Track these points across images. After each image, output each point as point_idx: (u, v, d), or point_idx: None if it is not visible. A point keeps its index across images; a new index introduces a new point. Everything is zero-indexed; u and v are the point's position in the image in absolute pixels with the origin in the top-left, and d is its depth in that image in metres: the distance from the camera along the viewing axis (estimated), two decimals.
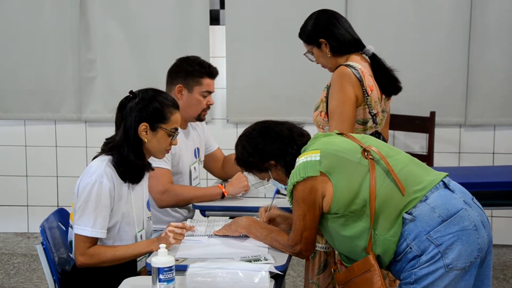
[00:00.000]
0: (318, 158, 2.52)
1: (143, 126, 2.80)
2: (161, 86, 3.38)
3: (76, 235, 2.76)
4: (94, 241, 2.77)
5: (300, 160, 2.57)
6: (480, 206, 2.56)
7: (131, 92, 2.86)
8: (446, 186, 2.52)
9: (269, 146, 2.71)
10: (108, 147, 2.83)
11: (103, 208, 2.74)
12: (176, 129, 2.88)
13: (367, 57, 3.32)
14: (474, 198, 2.57)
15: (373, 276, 2.45)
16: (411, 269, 2.44)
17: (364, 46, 3.31)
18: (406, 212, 2.45)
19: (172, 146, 2.91)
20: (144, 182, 2.95)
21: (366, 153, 2.52)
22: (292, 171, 2.58)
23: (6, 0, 5.49)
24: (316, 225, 2.59)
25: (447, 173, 2.58)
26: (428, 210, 2.44)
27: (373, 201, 2.45)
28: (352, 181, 2.49)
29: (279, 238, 2.71)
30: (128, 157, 2.79)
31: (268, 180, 2.81)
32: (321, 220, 2.59)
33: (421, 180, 2.51)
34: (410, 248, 2.44)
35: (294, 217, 2.61)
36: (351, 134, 2.72)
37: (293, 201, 2.59)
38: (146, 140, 2.81)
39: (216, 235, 2.89)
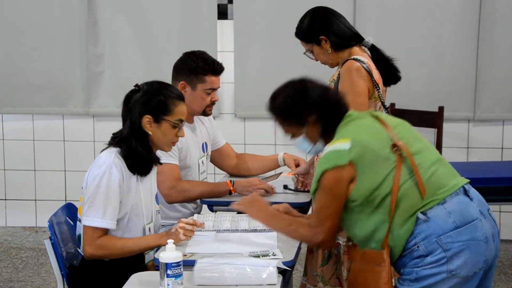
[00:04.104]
0: (347, 147, 2.46)
1: (146, 119, 2.79)
2: (169, 80, 3.37)
3: (84, 226, 2.76)
4: (103, 232, 2.76)
5: (330, 147, 2.50)
6: (494, 218, 2.53)
7: (136, 85, 2.86)
8: (465, 192, 2.50)
9: (319, 100, 2.61)
10: (116, 141, 2.83)
11: (113, 199, 2.74)
12: (181, 121, 2.86)
13: (366, 49, 3.31)
14: (490, 210, 2.53)
15: (382, 271, 2.45)
16: (414, 266, 2.43)
17: (362, 39, 3.30)
18: (421, 212, 2.43)
19: (180, 140, 2.90)
20: (153, 175, 2.95)
21: (394, 149, 2.48)
22: (320, 159, 2.52)
23: None
24: (339, 216, 2.52)
25: (468, 180, 2.55)
26: (444, 213, 2.42)
27: (395, 197, 2.42)
28: (376, 174, 2.45)
29: (300, 229, 2.60)
30: (137, 149, 2.79)
31: (295, 138, 2.65)
32: None
33: (444, 183, 2.48)
34: (418, 246, 2.42)
35: (317, 207, 2.53)
36: (384, 119, 2.61)
37: (319, 189, 2.50)
38: (150, 132, 2.81)
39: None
